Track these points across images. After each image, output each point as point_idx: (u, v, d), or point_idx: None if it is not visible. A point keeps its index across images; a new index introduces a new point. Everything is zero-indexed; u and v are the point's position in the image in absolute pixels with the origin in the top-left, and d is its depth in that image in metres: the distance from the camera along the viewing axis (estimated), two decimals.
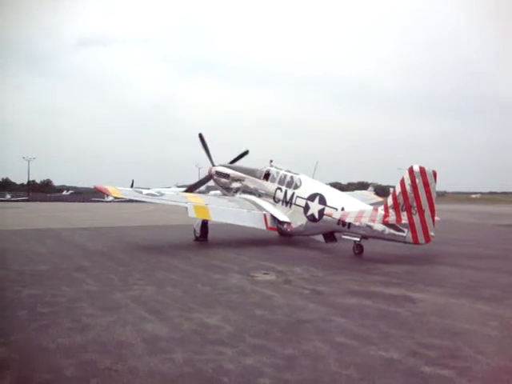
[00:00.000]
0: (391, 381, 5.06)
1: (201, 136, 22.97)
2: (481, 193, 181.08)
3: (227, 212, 17.99)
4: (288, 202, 18.53)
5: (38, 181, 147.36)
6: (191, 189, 23.03)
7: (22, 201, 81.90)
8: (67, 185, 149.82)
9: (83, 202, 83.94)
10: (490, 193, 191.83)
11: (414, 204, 13.80)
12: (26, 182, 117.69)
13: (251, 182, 20.67)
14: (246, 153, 23.44)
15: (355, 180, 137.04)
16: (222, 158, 23.61)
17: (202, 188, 25.62)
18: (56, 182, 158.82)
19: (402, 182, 14.09)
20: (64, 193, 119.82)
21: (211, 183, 24.17)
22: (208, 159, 23.35)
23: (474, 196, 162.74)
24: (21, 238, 19.62)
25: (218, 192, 23.09)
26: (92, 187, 20.33)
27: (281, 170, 19.72)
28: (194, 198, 18.38)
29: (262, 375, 5.17)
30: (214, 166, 22.97)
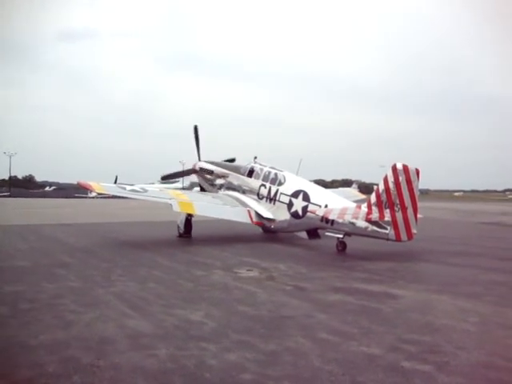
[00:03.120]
0: (372, 376, 5.13)
1: (196, 128, 22.80)
2: (463, 191, 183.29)
3: (211, 207, 18.04)
4: (272, 199, 18.57)
5: (19, 176, 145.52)
6: (168, 177, 22.70)
7: (4, 196, 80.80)
8: (50, 180, 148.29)
9: (66, 198, 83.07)
10: (473, 191, 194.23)
11: (397, 201, 13.92)
12: (7, 178, 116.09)
13: (235, 179, 20.66)
14: (232, 160, 23.28)
15: (339, 177, 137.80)
16: (209, 154, 23.53)
17: (186, 184, 25.49)
18: (38, 178, 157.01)
19: (386, 180, 14.21)
20: (47, 189, 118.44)
21: (195, 179, 24.08)
22: (196, 153, 23.21)
23: (456, 194, 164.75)
24: (1, 234, 19.38)
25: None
26: (75, 183, 20.14)
27: (265, 166, 19.75)
28: (178, 195, 18.33)
29: (244, 371, 5.20)
30: (199, 160, 22.86)
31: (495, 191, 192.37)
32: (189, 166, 24.23)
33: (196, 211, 17.49)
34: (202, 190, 22.80)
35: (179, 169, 28.31)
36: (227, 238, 19.86)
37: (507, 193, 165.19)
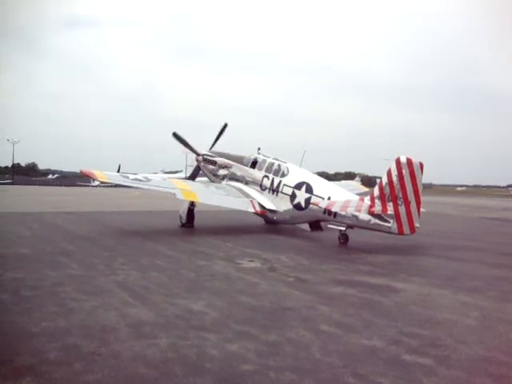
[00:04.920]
0: (373, 368, 5.13)
1: (175, 134, 21.83)
2: (466, 186, 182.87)
3: (214, 195, 18.12)
4: (275, 190, 18.54)
5: (22, 164, 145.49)
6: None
7: (6, 184, 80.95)
8: (53, 168, 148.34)
9: (69, 186, 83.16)
10: (475, 186, 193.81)
11: (400, 195, 13.88)
12: (10, 165, 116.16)
13: (238, 170, 20.61)
14: (225, 127, 22.93)
15: (342, 170, 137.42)
16: (209, 145, 23.33)
17: (189, 174, 25.30)
18: (41, 166, 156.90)
19: (389, 173, 14.16)
20: (49, 177, 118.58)
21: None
22: (191, 152, 23.01)
23: (459, 189, 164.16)
24: (4, 221, 19.42)
25: (205, 179, 22.94)
26: (78, 171, 20.09)
27: (268, 157, 19.69)
28: (181, 184, 18.31)
29: (245, 361, 5.21)
30: (199, 155, 22.57)
31: (498, 187, 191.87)
32: (192, 159, 23.99)
33: (199, 199, 17.57)
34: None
35: (182, 158, 27.91)
36: (229, 228, 19.88)
37: (510, 188, 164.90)
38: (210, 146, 22.80)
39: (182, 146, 22.34)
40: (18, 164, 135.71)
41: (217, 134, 22.92)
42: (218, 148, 22.72)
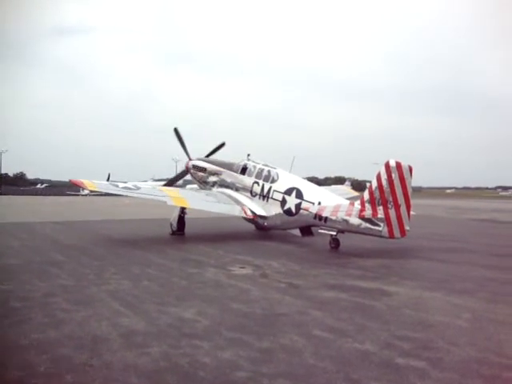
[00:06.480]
0: (366, 372, 5.12)
1: (176, 130, 22.69)
2: (455, 188, 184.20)
3: (204, 201, 18.28)
4: (265, 196, 18.54)
5: (10, 174, 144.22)
6: (170, 183, 22.83)
7: None
8: (41, 178, 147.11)
9: (58, 195, 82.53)
10: (464, 188, 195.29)
11: (390, 198, 13.94)
12: None
13: (228, 176, 20.61)
14: (222, 145, 23.32)
15: (332, 175, 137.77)
16: (200, 151, 23.46)
17: (180, 182, 25.35)
18: (30, 175, 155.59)
19: (379, 177, 14.22)
20: (38, 186, 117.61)
21: (188, 177, 24.00)
22: (184, 153, 23.16)
23: (448, 191, 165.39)
24: None
25: (195, 186, 22.95)
26: (67, 180, 19.99)
27: (258, 164, 19.70)
28: (171, 192, 18.28)
29: (238, 369, 5.18)
30: (190, 159, 22.80)
31: (487, 188, 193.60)
32: (182, 165, 24.23)
33: (189, 205, 17.70)
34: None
35: (173, 166, 28.19)
36: (220, 235, 19.84)
37: (498, 190, 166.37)
38: (186, 156, 23.02)
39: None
40: (6, 174, 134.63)
41: (212, 149, 23.16)
42: (203, 154, 22.86)
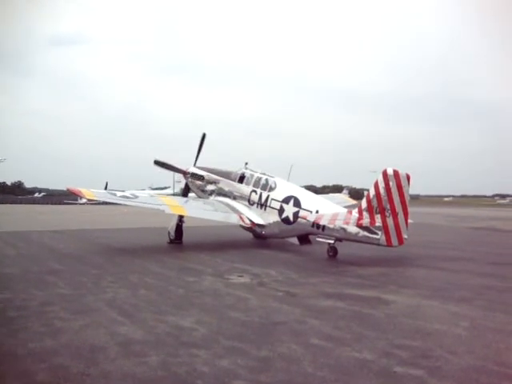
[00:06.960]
0: (364, 381, 5.11)
1: (157, 162, 21.99)
2: (453, 196, 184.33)
3: (202, 209, 18.37)
4: (263, 205, 18.54)
5: (8, 183, 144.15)
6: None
7: None
8: (39, 187, 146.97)
9: (56, 204, 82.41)
10: (462, 196, 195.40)
11: (388, 207, 13.96)
12: None
13: (226, 185, 20.61)
14: (204, 137, 22.89)
15: (330, 183, 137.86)
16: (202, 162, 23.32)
17: (177, 191, 25.30)
18: (28, 184, 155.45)
19: (376, 185, 14.25)
20: (36, 195, 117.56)
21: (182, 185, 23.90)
22: (194, 159, 22.94)
23: (446, 199, 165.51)
24: None
25: (193, 195, 22.88)
26: (65, 189, 19.96)
27: (256, 172, 19.72)
28: (169, 200, 18.29)
29: (236, 377, 5.17)
30: (185, 172, 22.53)
31: (484, 196, 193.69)
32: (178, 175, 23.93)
33: (187, 213, 17.74)
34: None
35: (169, 174, 28.01)
36: (218, 244, 19.82)
37: (496, 198, 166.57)
38: (194, 159, 22.85)
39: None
40: (4, 183, 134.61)
41: (198, 145, 22.97)
42: (203, 162, 22.77)
